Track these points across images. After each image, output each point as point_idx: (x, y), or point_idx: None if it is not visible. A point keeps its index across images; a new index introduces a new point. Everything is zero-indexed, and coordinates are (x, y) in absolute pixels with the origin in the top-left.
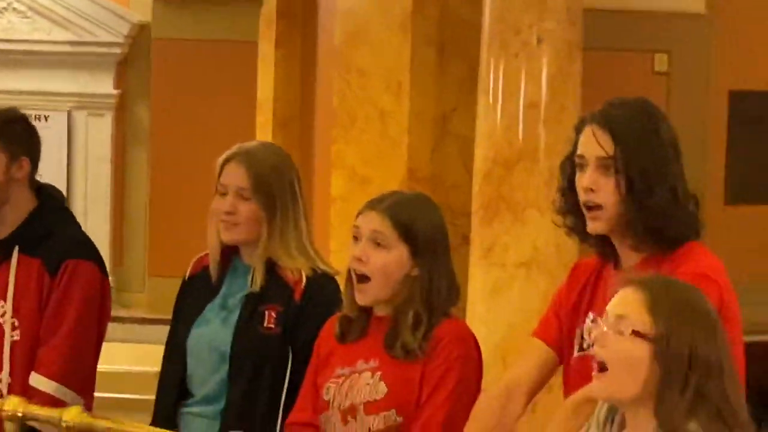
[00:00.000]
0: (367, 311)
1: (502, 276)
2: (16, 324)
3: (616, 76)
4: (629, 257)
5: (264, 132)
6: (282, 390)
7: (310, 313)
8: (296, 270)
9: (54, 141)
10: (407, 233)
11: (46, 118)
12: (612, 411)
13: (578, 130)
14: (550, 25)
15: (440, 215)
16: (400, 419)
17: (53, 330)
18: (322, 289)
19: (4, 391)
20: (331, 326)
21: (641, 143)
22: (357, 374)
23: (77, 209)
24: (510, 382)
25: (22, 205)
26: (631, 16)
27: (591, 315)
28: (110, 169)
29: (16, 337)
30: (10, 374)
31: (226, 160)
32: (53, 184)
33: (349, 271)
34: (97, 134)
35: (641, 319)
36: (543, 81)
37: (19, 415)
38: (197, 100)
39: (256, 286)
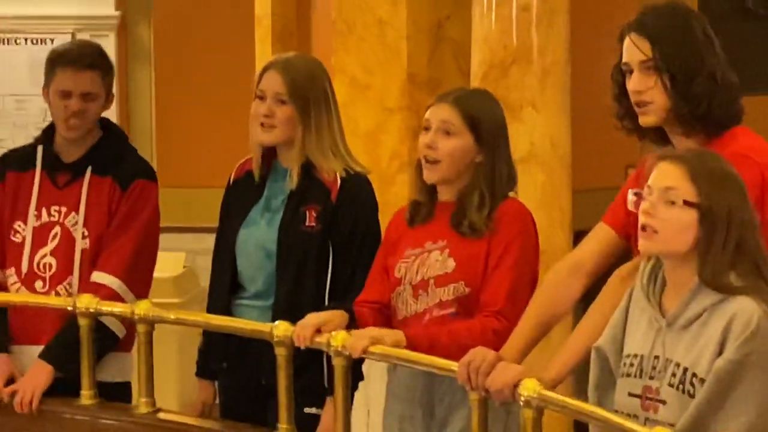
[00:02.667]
0: (432, 198)
1: None
2: (86, 234)
3: None
4: (683, 145)
5: (263, 46)
6: (326, 283)
7: (346, 211)
8: (331, 171)
9: None
10: (473, 122)
11: (51, 41)
12: (654, 270)
13: (620, 40)
14: None
15: (501, 108)
16: (468, 290)
17: (119, 236)
18: (356, 187)
19: (74, 294)
20: (400, 214)
21: (676, 41)
22: (426, 253)
23: None
24: (575, 261)
25: (94, 130)
26: None
27: (631, 190)
28: (115, 87)
29: (86, 246)
30: (79, 279)
31: (265, 68)
32: None
33: (418, 159)
34: None
35: (688, 189)
36: None
37: (92, 310)
38: (197, 18)
39: (293, 185)
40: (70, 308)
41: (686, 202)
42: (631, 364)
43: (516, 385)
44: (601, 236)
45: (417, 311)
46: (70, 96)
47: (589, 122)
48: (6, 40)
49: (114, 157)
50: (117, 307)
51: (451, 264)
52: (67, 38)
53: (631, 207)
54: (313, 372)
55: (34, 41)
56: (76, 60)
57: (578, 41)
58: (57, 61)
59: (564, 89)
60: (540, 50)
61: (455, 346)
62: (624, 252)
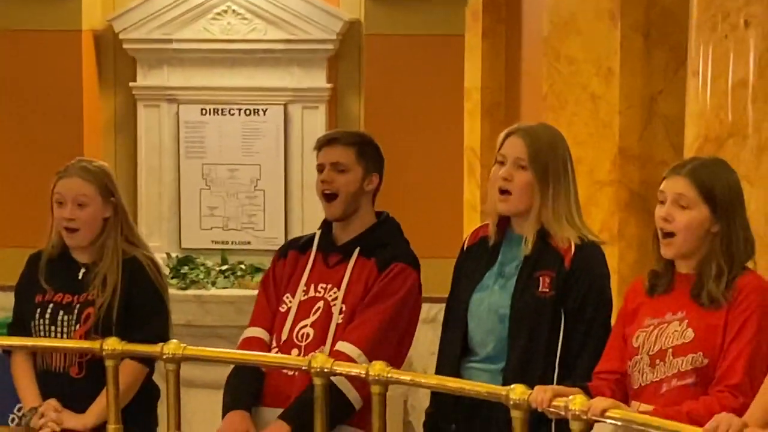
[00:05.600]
0: (671, 269)
1: None
2: (343, 309)
3: None
4: None
5: (472, 118)
6: (557, 349)
7: (579, 279)
8: (565, 239)
9: (272, 133)
10: (708, 193)
11: (264, 112)
12: None
13: None
14: (756, 8)
15: (736, 176)
16: (706, 361)
17: (368, 311)
18: (590, 256)
19: None
20: (638, 284)
21: None
22: (665, 324)
23: (294, 196)
24: None
25: (366, 217)
26: None
27: None
28: None
29: (340, 321)
30: (329, 350)
31: (508, 134)
32: (272, 172)
33: (655, 231)
34: (312, 125)
35: None
36: (751, 61)
37: (326, 370)
38: (406, 90)
39: (528, 251)
40: (305, 367)
41: None
42: None
43: None
44: None
45: (653, 380)
46: (324, 168)
47: None
48: (220, 111)
49: (381, 243)
50: (351, 368)
51: (690, 334)
52: (280, 109)
53: None
54: None
55: (247, 112)
56: (328, 137)
57: None
58: (316, 143)
59: None
60: (756, 125)
61: (697, 425)
62: None
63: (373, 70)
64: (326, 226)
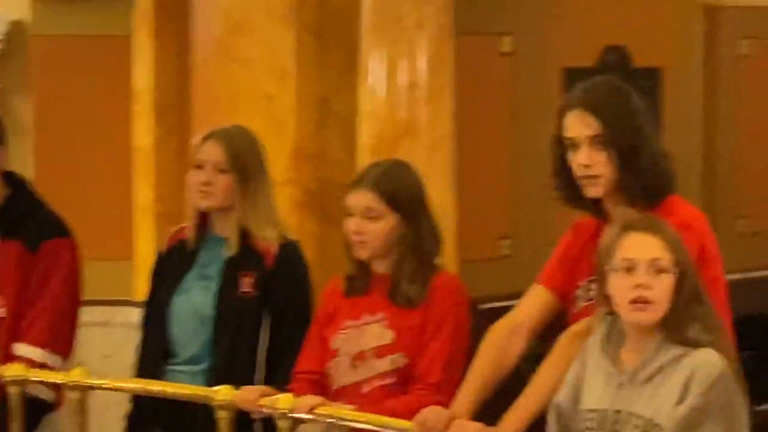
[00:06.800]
0: (367, 271)
1: None
2: (2, 303)
3: (468, 58)
4: (620, 214)
5: (141, 120)
6: (262, 348)
7: (282, 277)
8: (266, 239)
9: None
10: (395, 202)
11: None
12: (613, 326)
13: (561, 114)
14: (427, 11)
15: (417, 177)
16: (406, 361)
17: (36, 303)
18: (292, 255)
19: None
20: (335, 285)
21: (622, 117)
22: (365, 325)
23: None
24: (514, 322)
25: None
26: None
27: (586, 284)
28: None
29: (3, 315)
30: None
31: (204, 138)
32: None
33: (346, 235)
34: None
35: (669, 257)
36: (423, 63)
37: (22, 379)
38: (75, 92)
39: (233, 251)
40: None
41: (670, 270)
42: (591, 419)
43: None
44: (537, 297)
45: (354, 381)
46: None
47: (468, 194)
48: None
49: (22, 217)
50: (50, 376)
51: (390, 335)
52: None
53: (583, 301)
54: None
55: None
56: None
57: (463, 115)
58: None
59: (451, 162)
60: (428, 125)
61: None
62: (560, 309)
63: (40, 71)
64: None
